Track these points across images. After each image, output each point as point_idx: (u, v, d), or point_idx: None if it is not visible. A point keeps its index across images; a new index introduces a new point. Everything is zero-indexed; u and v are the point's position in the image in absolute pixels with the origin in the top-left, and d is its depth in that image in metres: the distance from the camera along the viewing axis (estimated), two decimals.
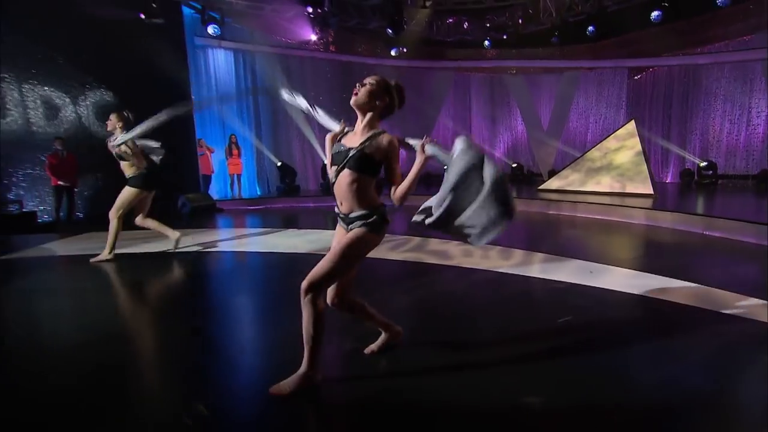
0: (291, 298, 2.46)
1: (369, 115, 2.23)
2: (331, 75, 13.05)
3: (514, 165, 14.07)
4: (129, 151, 4.90)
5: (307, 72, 12.59)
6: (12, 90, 8.46)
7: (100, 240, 6.17)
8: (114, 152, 5.02)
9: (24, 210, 8.40)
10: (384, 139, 2.18)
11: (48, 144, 8.58)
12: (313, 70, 12.70)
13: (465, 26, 12.72)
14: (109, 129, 5.09)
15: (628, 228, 6.89)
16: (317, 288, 2.08)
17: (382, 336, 2.59)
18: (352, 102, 2.22)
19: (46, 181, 8.64)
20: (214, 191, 10.82)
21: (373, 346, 2.57)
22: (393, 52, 12.44)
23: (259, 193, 11.99)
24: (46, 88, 8.77)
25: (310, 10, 9.78)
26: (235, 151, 11.13)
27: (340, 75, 13.08)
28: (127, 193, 4.98)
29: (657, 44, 11.28)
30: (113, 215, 5.00)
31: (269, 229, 7.30)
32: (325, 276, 2.09)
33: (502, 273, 4.28)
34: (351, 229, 2.19)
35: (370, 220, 2.15)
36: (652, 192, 8.72)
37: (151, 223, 5.15)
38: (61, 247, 5.82)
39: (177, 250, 5.34)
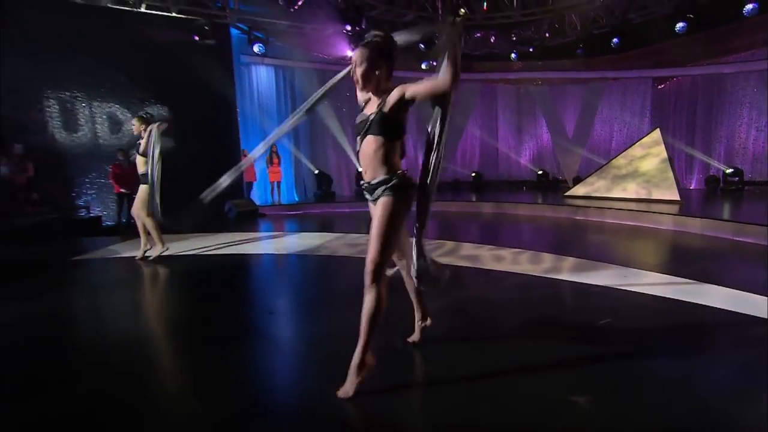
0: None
1: (377, 84, 2.17)
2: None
3: (540, 172, 13.97)
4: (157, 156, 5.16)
5: (342, 85, 12.78)
6: (84, 107, 9.01)
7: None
8: (138, 151, 5.32)
9: (91, 215, 8.90)
10: (393, 91, 2.11)
11: (111, 155, 9.10)
12: (348, 84, 12.88)
13: (492, 40, 12.71)
14: (135, 133, 5.44)
15: (657, 233, 6.82)
16: (379, 270, 2.01)
17: (419, 324, 2.62)
18: (358, 89, 2.19)
19: (110, 188, 9.13)
20: (256, 197, 11.14)
21: (415, 338, 2.62)
22: (423, 65, 12.53)
23: (296, 199, 12.28)
24: (110, 104, 9.28)
25: (349, 28, 10.00)
26: (275, 160, 11.46)
27: None
28: (145, 191, 5.30)
29: (682, 54, 11.05)
30: (141, 213, 5.27)
31: (314, 232, 7.50)
32: (378, 257, 2.01)
33: (535, 276, 4.29)
34: (376, 199, 2.11)
35: (390, 185, 2.06)
36: (678, 198, 8.56)
37: (150, 223, 5.30)
38: (125, 249, 6.15)
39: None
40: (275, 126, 12.01)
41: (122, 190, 8.80)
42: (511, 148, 15.25)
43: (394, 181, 2.08)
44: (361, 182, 2.23)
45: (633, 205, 8.44)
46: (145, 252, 5.30)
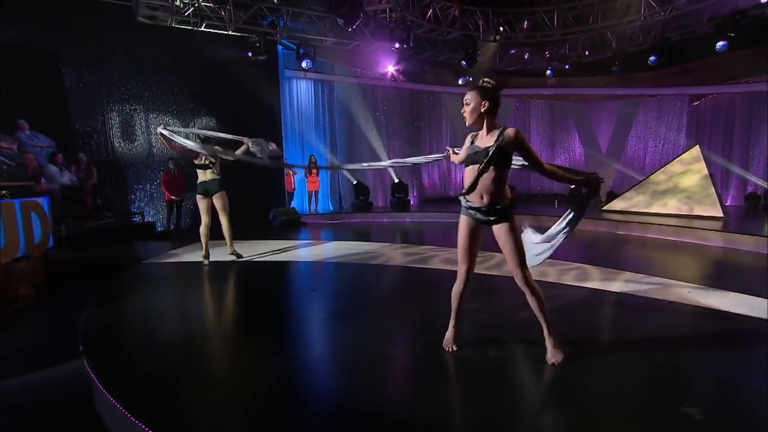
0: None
1: (485, 121, 2.53)
2: (400, 102, 13.53)
3: (572, 186, 13.85)
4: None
5: (379, 99, 13.12)
6: (140, 119, 9.44)
7: (215, 247, 6.66)
8: (204, 160, 5.42)
9: (145, 220, 9.28)
10: (510, 131, 2.46)
11: (163, 164, 9.47)
12: (385, 98, 13.21)
13: (526, 57, 12.85)
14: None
15: (705, 250, 6.78)
16: (525, 273, 2.49)
17: (452, 330, 2.83)
18: (467, 125, 2.55)
19: (161, 195, 9.51)
20: (295, 206, 11.41)
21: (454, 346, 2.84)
22: (460, 81, 12.73)
23: (331, 208, 12.48)
24: (164, 116, 9.68)
25: (398, 45, 10.29)
26: (314, 170, 11.69)
27: (408, 102, 13.63)
28: (226, 196, 5.44)
29: (721, 72, 10.97)
30: (227, 218, 5.46)
31: (365, 241, 7.58)
32: (520, 265, 2.50)
33: (595, 289, 4.32)
34: (494, 220, 2.49)
35: (511, 210, 2.51)
36: (722, 215, 8.47)
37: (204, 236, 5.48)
38: (184, 253, 6.36)
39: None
40: (314, 137, 12.51)
41: (172, 198, 9.18)
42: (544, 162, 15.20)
43: (511, 209, 2.54)
44: (469, 203, 2.56)
45: (674, 221, 8.43)
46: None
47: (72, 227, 7.32)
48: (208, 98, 10.10)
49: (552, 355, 2.60)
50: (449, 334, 2.84)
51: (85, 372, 2.68)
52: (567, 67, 12.69)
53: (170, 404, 2.28)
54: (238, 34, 9.97)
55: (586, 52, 11.90)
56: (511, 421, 2.14)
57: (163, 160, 9.57)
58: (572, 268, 5.25)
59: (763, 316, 3.55)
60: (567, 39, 11.91)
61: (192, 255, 6.11)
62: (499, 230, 2.54)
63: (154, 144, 9.67)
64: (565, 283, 4.59)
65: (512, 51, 12.92)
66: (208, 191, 5.37)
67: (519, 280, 2.51)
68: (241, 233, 7.55)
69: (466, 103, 2.53)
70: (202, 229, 5.49)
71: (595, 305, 3.96)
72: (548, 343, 2.62)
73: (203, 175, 5.46)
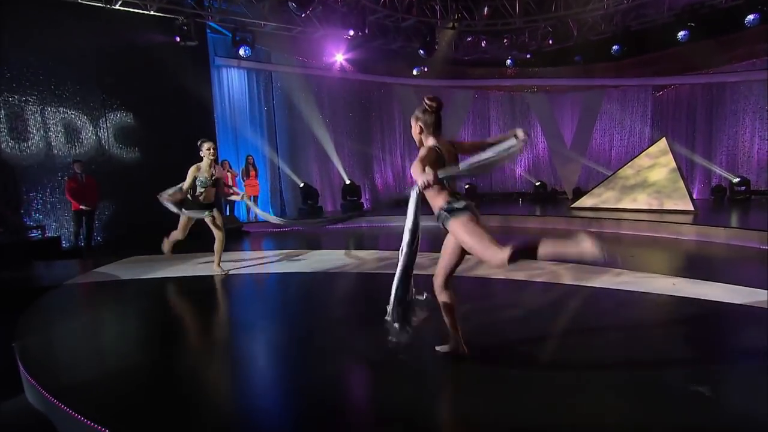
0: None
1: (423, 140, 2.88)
2: (348, 94, 13.48)
3: (537, 183, 14.49)
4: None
5: (324, 91, 12.99)
6: (34, 113, 8.66)
7: (151, 263, 6.39)
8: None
9: (47, 235, 8.49)
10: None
11: (66, 167, 8.75)
12: (332, 89, 13.11)
13: (483, 45, 13.28)
14: (212, 157, 5.50)
15: (681, 243, 7.26)
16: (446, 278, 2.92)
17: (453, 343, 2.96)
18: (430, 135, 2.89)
19: (66, 205, 8.75)
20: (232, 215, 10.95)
21: (446, 348, 2.98)
22: (415, 72, 12.89)
23: (272, 214, 12.14)
24: (67, 109, 8.97)
25: (352, 33, 10.23)
26: (252, 173, 11.32)
27: (357, 94, 13.59)
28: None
29: (683, 62, 11.91)
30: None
31: (330, 250, 7.44)
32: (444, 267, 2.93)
33: (611, 289, 4.54)
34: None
35: (446, 215, 2.72)
36: (692, 208, 9.11)
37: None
38: (118, 271, 6.06)
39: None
40: (250, 135, 12.11)
41: (81, 207, 8.49)
42: None
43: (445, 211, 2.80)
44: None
45: (650, 216, 8.93)
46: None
47: None
48: (123, 89, 9.41)
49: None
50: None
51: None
52: (528, 56, 13.23)
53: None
54: (162, 14, 9.43)
55: (550, 41, 12.48)
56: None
57: (65, 163, 8.83)
58: (558, 266, 5.42)
59: (755, 303, 3.82)
60: (528, 27, 12.42)
61: (125, 271, 5.93)
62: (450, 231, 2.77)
63: (53, 143, 8.89)
64: (566, 282, 4.76)
65: (468, 39, 13.30)
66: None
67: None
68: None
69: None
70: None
71: (582, 303, 4.18)
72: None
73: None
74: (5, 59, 8.25)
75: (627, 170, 10.46)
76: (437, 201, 2.73)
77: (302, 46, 11.55)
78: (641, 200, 9.88)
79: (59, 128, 8.97)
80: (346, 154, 13.42)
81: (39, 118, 8.74)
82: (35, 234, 8.45)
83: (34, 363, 3.05)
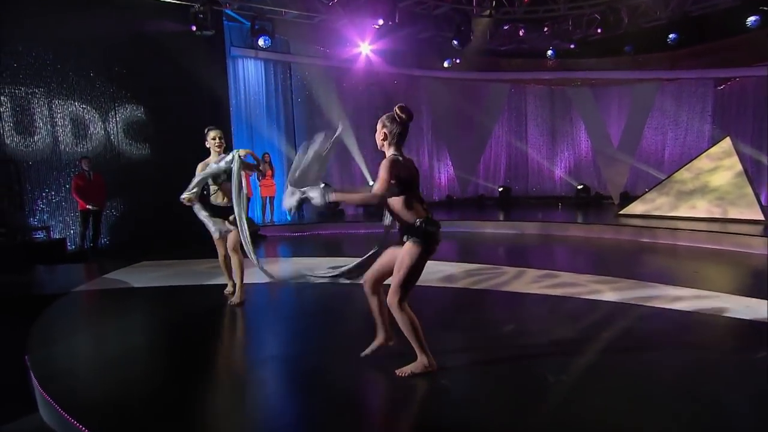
0: None
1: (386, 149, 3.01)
2: (373, 88, 13.37)
3: (579, 186, 14.15)
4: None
5: (346, 84, 12.93)
6: (41, 106, 8.77)
7: (162, 269, 6.44)
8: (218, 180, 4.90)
9: (52, 237, 8.59)
10: None
11: (74, 165, 8.83)
12: (355, 82, 13.02)
13: (521, 34, 13.04)
14: (218, 150, 4.95)
15: (749, 258, 6.93)
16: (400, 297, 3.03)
17: (379, 339, 3.24)
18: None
19: (72, 204, 8.85)
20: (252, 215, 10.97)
21: (368, 351, 3.24)
22: (446, 64, 12.72)
23: (288, 218, 12.09)
24: (75, 102, 9.06)
25: (381, 22, 10.15)
26: (268, 172, 11.28)
27: (383, 87, 13.42)
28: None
29: (750, 52, 11.43)
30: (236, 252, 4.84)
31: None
32: (400, 285, 3.00)
33: (623, 304, 4.44)
34: (405, 240, 2.98)
35: (416, 232, 2.92)
36: (762, 217, 8.70)
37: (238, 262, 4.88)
38: (130, 278, 6.05)
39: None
40: (266, 128, 12.08)
41: (88, 207, 8.56)
42: (543, 157, 15.40)
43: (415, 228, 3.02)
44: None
45: (706, 225, 8.55)
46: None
47: None
48: (134, 81, 9.46)
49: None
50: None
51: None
52: (572, 46, 12.92)
53: None
54: (176, 2, 9.45)
55: (597, 29, 12.15)
56: None
57: (73, 160, 8.91)
58: (593, 280, 5.29)
59: None
60: (573, 14, 12.12)
61: (136, 278, 5.89)
62: (403, 249, 2.94)
63: (60, 138, 9.00)
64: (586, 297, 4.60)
65: (505, 27, 13.08)
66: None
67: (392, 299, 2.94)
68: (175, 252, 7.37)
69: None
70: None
71: (625, 321, 4.05)
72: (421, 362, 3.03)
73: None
74: (11, 49, 8.32)
75: (684, 173, 10.08)
76: (408, 213, 2.88)
77: (324, 35, 11.46)
78: (701, 208, 9.49)
79: (67, 122, 9.04)
80: (370, 153, 13.30)
81: (46, 112, 8.81)
82: (40, 235, 8.56)
83: (50, 379, 3.04)
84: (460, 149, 14.71)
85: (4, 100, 8.43)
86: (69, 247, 8.70)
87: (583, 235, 9.34)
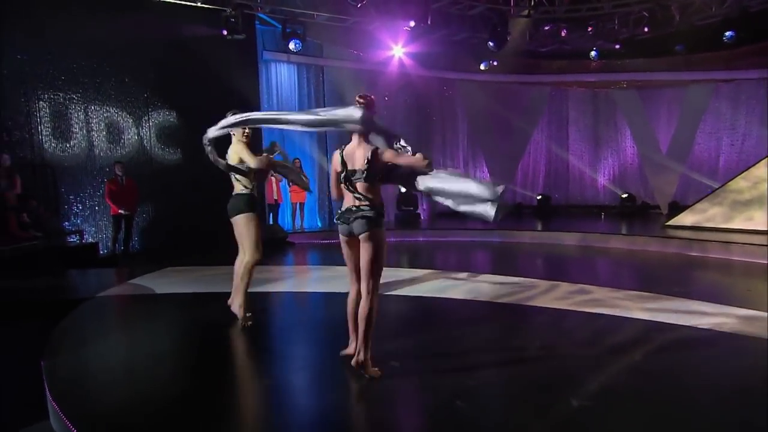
0: None
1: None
2: (407, 91, 13.43)
3: (624, 195, 13.79)
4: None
5: (379, 88, 12.99)
6: (78, 112, 9.17)
7: (188, 274, 6.62)
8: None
9: (84, 241, 8.96)
10: None
11: (108, 169, 9.18)
12: (387, 87, 13.08)
13: (563, 34, 12.82)
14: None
15: None
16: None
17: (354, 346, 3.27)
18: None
19: (105, 209, 9.19)
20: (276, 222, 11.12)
21: (350, 351, 3.32)
22: (482, 66, 12.63)
23: (319, 225, 12.21)
24: (108, 108, 9.44)
25: (413, 24, 10.19)
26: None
27: (416, 91, 13.49)
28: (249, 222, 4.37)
29: None
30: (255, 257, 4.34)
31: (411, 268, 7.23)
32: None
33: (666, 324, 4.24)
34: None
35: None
36: None
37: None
38: (154, 284, 6.20)
39: None
40: (297, 134, 12.19)
41: (120, 211, 8.86)
42: (585, 164, 15.06)
43: None
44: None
45: (763, 239, 8.14)
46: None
47: None
48: (167, 87, 9.79)
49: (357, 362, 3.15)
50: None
51: None
52: (617, 47, 12.61)
53: None
54: (208, 6, 9.71)
55: (644, 28, 11.81)
56: None
57: (107, 165, 9.23)
58: (631, 297, 5.16)
59: None
60: (619, 11, 11.81)
61: (157, 284, 5.98)
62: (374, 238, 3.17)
63: (95, 143, 9.39)
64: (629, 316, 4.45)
65: (546, 27, 12.89)
66: (228, 211, 4.36)
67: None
68: (205, 257, 7.42)
69: None
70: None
71: (664, 342, 3.90)
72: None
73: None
74: (51, 57, 8.75)
75: (740, 182, 9.71)
76: (379, 198, 3.25)
77: (357, 38, 11.57)
78: (759, 219, 9.08)
79: (102, 128, 9.42)
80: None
81: (82, 117, 9.22)
82: (73, 239, 8.94)
83: (61, 387, 3.10)
84: (496, 155, 14.58)
85: (42, 106, 8.86)
86: (101, 252, 9.07)
87: (626, 247, 9.10)
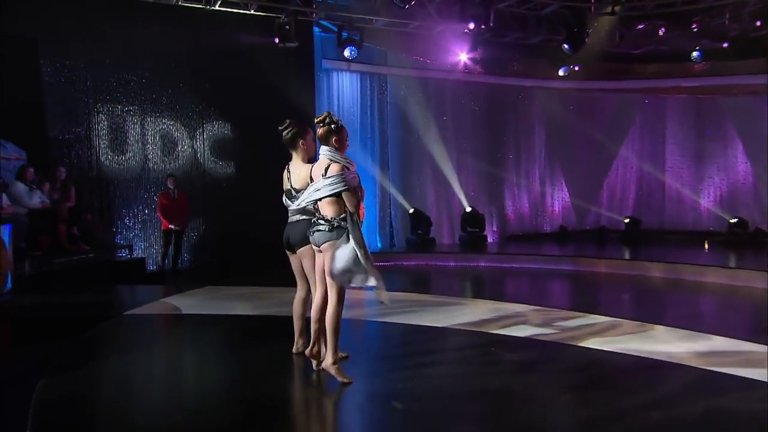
0: None
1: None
2: (476, 101, 13.21)
3: (733, 220, 12.65)
4: None
5: (446, 98, 12.87)
6: (135, 124, 9.72)
7: (222, 296, 6.71)
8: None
9: (133, 256, 9.42)
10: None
11: (160, 183, 9.59)
12: (454, 97, 12.95)
13: (660, 33, 12.09)
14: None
15: None
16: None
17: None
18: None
19: (156, 223, 9.60)
20: None
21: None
22: (561, 72, 12.15)
23: (379, 246, 12.14)
24: (164, 120, 9.91)
25: (472, 26, 10.03)
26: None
27: (487, 101, 13.24)
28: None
29: None
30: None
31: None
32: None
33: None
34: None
35: None
36: None
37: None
38: (185, 304, 6.32)
39: None
40: (358, 149, 12.26)
41: (171, 227, 9.15)
42: (684, 184, 14.07)
43: None
44: None
45: None
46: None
47: (39, 265, 7.46)
48: (221, 98, 10.16)
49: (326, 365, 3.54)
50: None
51: None
52: (725, 45, 11.69)
53: None
54: (262, 14, 10.04)
55: (757, 23, 10.86)
56: None
57: (160, 177, 9.66)
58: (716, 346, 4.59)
59: None
60: (729, 5, 10.93)
61: (187, 304, 6.06)
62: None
63: (149, 156, 9.86)
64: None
65: (640, 26, 12.19)
66: (289, 242, 3.96)
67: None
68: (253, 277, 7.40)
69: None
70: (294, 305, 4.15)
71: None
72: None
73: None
74: (111, 68, 9.32)
75: None
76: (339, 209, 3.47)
77: (420, 43, 11.50)
78: None
79: (157, 140, 9.92)
80: (470, 175, 13.07)
81: (138, 130, 9.75)
82: (122, 254, 9.41)
83: (45, 409, 3.14)
84: (578, 172, 13.95)
85: (101, 119, 9.47)
86: (150, 267, 9.48)
87: (726, 282, 8.19)
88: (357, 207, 3.52)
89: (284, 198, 3.89)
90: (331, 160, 3.43)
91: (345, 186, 3.36)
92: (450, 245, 12.29)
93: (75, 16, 8.88)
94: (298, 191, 3.73)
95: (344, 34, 10.40)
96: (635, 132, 14.16)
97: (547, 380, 3.81)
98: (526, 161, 13.77)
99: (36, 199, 7.87)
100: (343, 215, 3.40)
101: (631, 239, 12.89)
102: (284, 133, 3.79)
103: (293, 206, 3.78)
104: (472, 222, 12.12)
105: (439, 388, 3.62)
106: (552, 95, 13.24)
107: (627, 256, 10.60)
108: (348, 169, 3.48)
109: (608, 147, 13.83)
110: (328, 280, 3.42)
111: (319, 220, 3.45)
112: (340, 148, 3.48)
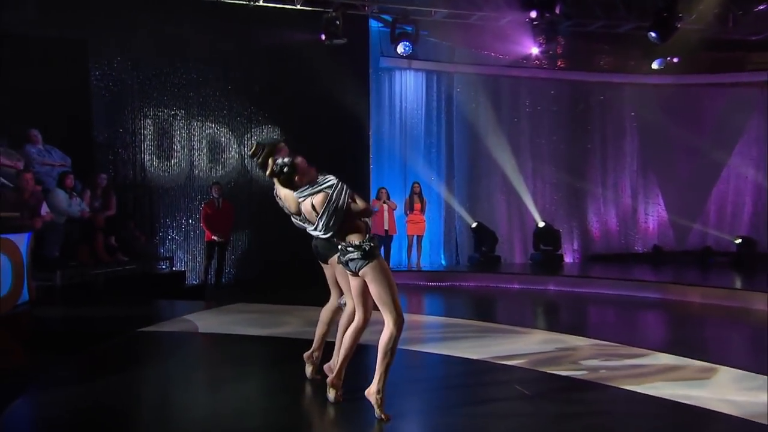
0: None
1: None
2: (555, 101, 12.77)
3: None
4: None
5: (521, 99, 12.54)
6: (181, 128, 9.97)
7: (250, 314, 6.71)
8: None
9: (173, 269, 9.63)
10: None
11: (205, 191, 9.75)
12: (531, 93, 12.58)
13: None
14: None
15: None
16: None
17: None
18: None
19: (200, 234, 9.75)
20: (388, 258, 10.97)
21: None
22: (656, 65, 11.39)
23: (444, 264, 11.90)
24: (210, 125, 10.11)
25: (534, 15, 9.67)
26: (417, 205, 11.20)
27: (568, 101, 12.76)
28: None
29: None
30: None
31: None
32: None
33: None
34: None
35: None
36: None
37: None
38: (205, 321, 6.36)
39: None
40: (420, 156, 12.10)
41: (214, 238, 9.24)
42: None
43: None
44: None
45: None
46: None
47: (73, 275, 7.70)
48: (271, 100, 10.27)
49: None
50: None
51: None
52: None
53: None
54: (310, 8, 10.06)
55: None
56: None
57: (205, 186, 9.83)
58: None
59: None
60: None
61: (207, 322, 6.10)
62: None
63: (195, 162, 10.03)
64: None
65: (761, 7, 11.21)
66: (318, 251, 4.03)
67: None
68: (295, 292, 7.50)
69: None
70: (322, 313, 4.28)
71: None
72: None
73: None
74: (157, 72, 9.63)
75: None
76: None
77: (487, 37, 11.24)
78: None
79: (203, 146, 10.12)
80: (547, 186, 12.68)
81: (184, 135, 9.99)
82: (162, 267, 9.64)
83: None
84: (676, 184, 13.02)
85: (147, 124, 9.80)
86: (192, 281, 9.64)
87: None
88: (368, 211, 3.72)
89: (293, 219, 3.95)
90: (311, 196, 3.46)
91: (342, 203, 3.39)
92: (521, 265, 11.88)
93: (122, 16, 9.20)
94: (297, 213, 3.78)
95: (398, 29, 10.25)
96: (750, 134, 13.00)
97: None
98: (615, 171, 13.09)
99: (75, 208, 8.16)
100: (369, 235, 3.45)
101: (742, 264, 11.78)
102: (257, 160, 3.85)
103: (309, 230, 3.74)
104: (546, 239, 11.60)
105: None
106: (645, 93, 12.55)
107: (734, 284, 9.57)
108: (328, 193, 3.47)
109: (715, 153, 12.77)
110: (385, 304, 3.38)
111: (348, 248, 3.42)
112: (307, 180, 3.47)
